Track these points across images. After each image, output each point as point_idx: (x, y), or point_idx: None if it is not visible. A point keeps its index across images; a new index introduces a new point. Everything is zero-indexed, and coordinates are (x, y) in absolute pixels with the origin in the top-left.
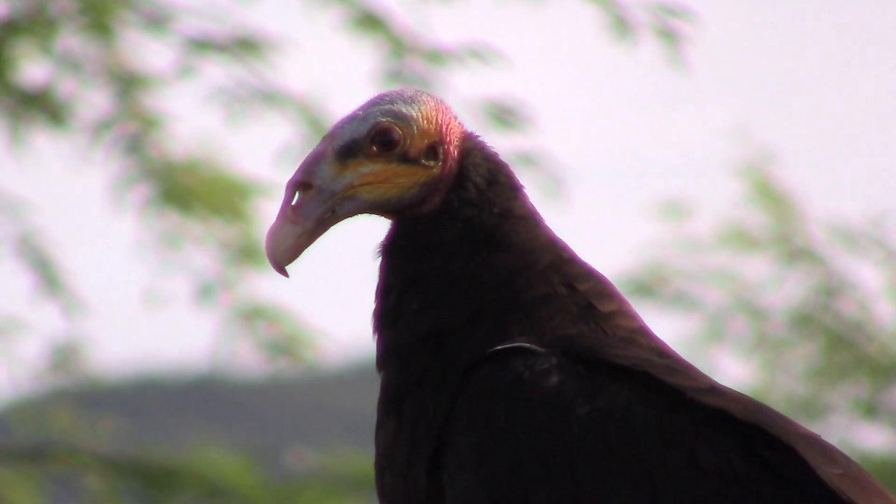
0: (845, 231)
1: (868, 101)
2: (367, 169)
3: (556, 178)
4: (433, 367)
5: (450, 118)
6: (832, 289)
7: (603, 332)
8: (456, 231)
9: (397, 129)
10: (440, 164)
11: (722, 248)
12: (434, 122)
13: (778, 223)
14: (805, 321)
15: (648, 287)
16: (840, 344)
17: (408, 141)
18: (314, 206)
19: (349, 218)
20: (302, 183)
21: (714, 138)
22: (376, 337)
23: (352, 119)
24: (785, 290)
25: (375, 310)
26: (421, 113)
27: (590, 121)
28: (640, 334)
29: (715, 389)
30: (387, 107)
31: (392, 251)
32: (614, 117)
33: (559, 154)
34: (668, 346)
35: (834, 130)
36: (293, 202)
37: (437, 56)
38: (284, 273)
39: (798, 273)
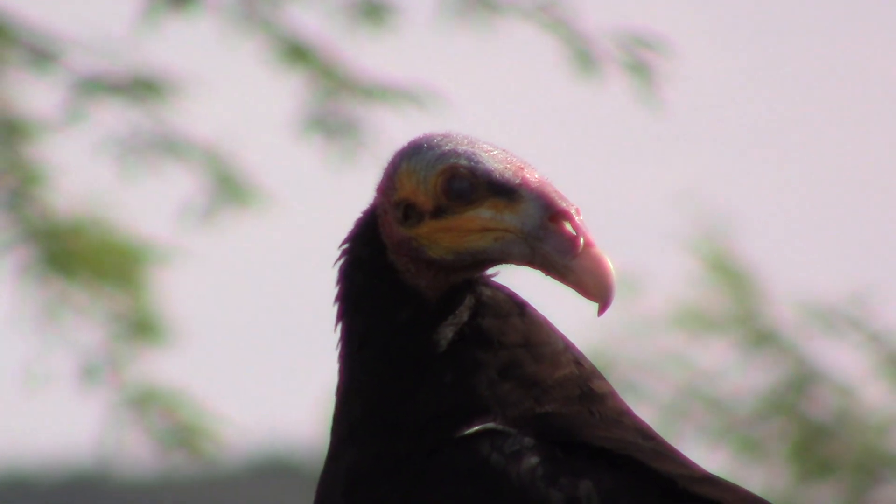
0: (819, 312)
1: (849, 164)
2: None
3: None
4: (410, 450)
5: None
6: (804, 377)
7: (589, 413)
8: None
9: None
10: None
11: (676, 331)
12: None
13: (739, 303)
14: (773, 413)
15: None
16: (815, 439)
17: None
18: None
19: None
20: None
21: (669, 200)
22: (340, 412)
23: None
24: (749, 378)
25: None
26: None
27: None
28: (626, 416)
29: (708, 478)
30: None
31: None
32: (563, 169)
33: None
34: (652, 430)
35: (807, 195)
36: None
37: (374, 94)
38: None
39: (764, 359)
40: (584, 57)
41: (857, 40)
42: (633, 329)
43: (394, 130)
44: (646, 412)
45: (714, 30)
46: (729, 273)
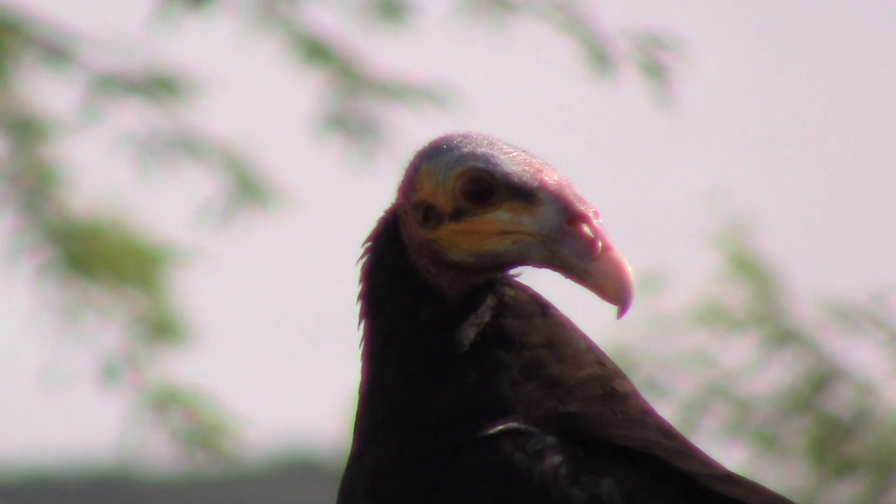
0: (841, 309)
1: (872, 162)
2: None
3: None
4: (433, 449)
5: None
6: (825, 375)
7: (611, 412)
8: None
9: None
10: None
11: (698, 329)
12: None
13: (761, 301)
14: (794, 412)
15: None
16: (835, 437)
17: None
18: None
19: None
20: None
21: (691, 198)
22: (364, 410)
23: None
24: (770, 376)
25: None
26: None
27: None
28: (648, 415)
29: (731, 477)
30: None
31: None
32: (581, 169)
33: None
34: (674, 429)
35: (830, 193)
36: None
37: (392, 92)
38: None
39: (786, 357)
40: (600, 56)
41: (883, 37)
42: (655, 327)
43: (412, 129)
44: (667, 410)
45: (737, 29)
46: (751, 271)
